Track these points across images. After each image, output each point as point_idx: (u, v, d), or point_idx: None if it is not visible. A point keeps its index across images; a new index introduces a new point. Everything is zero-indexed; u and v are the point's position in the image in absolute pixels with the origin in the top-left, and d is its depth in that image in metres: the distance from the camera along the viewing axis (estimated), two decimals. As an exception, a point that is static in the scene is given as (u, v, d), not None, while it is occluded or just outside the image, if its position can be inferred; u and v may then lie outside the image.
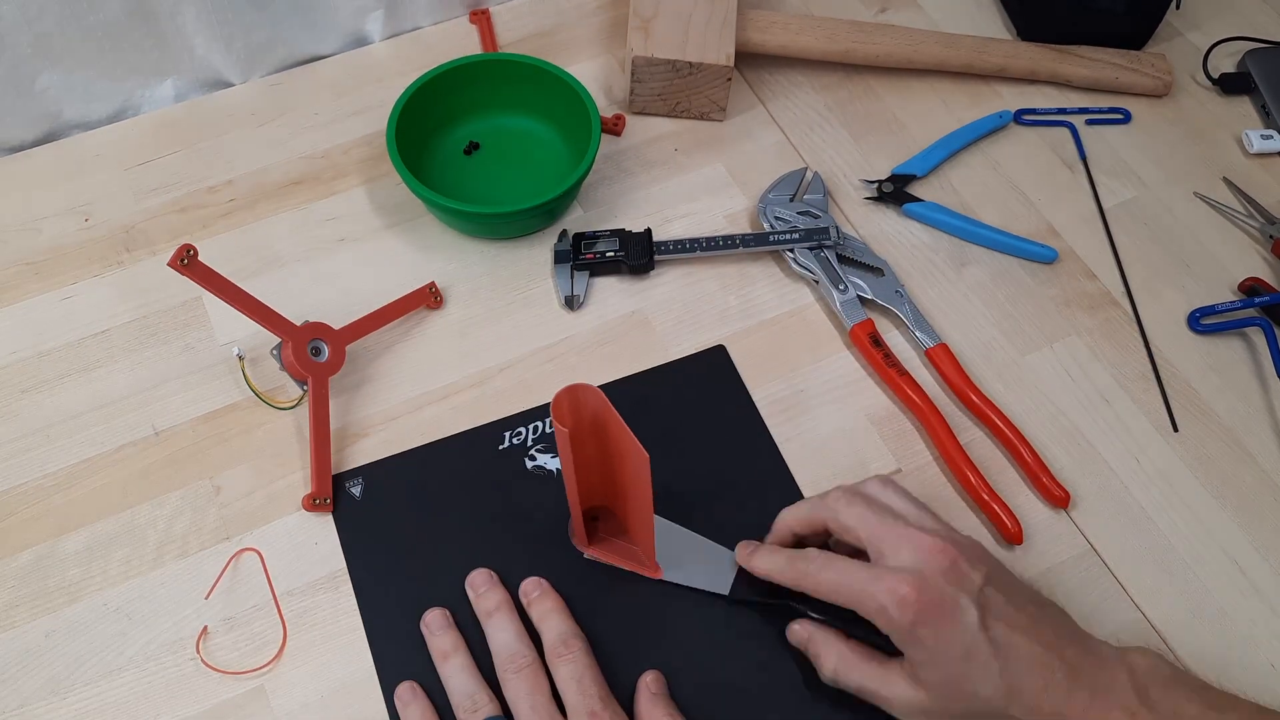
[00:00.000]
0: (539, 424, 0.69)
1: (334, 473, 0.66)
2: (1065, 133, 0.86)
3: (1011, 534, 0.65)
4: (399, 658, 0.60)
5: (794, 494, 0.67)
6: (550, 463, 0.67)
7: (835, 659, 0.55)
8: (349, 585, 0.63)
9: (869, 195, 0.80)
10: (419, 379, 0.71)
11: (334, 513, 0.65)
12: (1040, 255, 0.77)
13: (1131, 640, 0.63)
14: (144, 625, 0.62)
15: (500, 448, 0.68)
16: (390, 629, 0.61)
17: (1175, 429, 0.71)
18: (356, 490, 0.66)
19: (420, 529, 0.65)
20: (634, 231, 0.76)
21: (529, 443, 0.68)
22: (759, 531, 0.62)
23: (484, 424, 0.69)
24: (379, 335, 0.73)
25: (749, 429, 0.69)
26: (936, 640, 0.49)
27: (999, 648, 0.49)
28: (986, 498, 0.66)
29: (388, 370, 0.71)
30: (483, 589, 0.60)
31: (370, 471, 0.66)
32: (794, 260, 0.76)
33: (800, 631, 0.57)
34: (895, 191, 0.80)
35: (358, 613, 0.62)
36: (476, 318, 0.74)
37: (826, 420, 0.70)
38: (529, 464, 0.67)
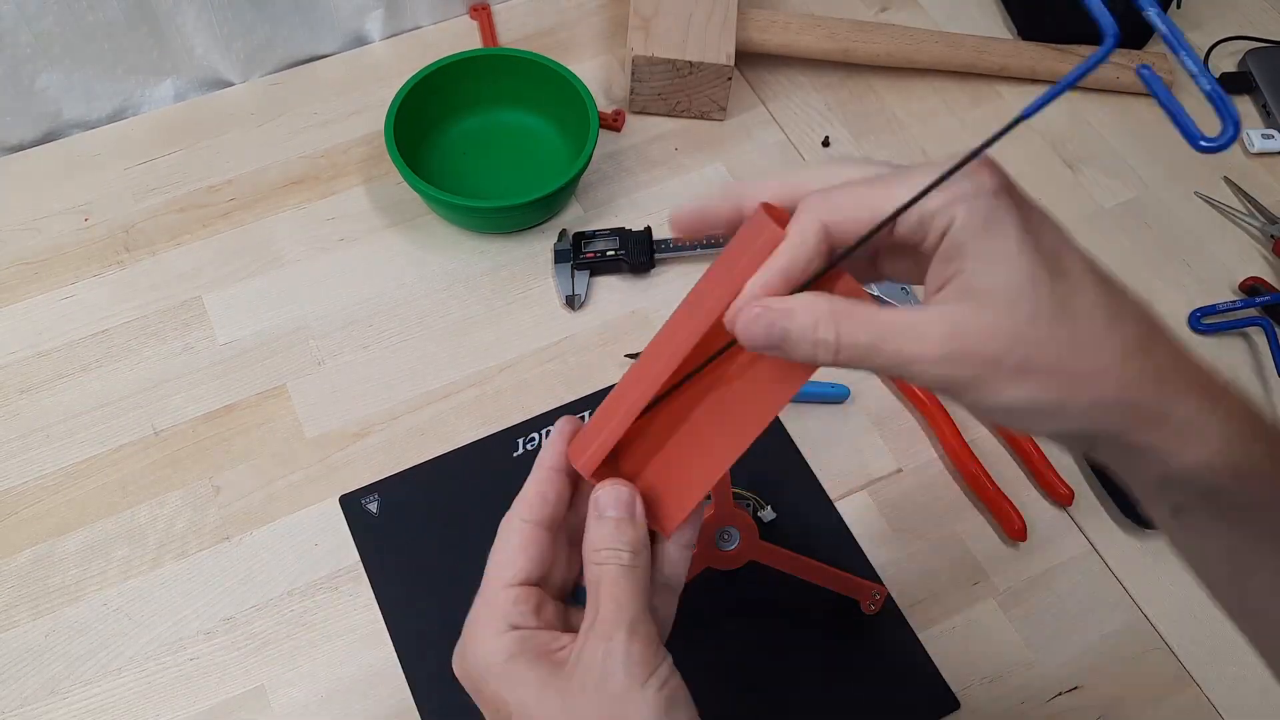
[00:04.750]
0: (551, 429, 0.68)
1: (348, 490, 0.66)
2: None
3: (1016, 531, 0.65)
4: (429, 675, 0.60)
5: (816, 487, 0.67)
6: None
7: (823, 313, 0.34)
8: (349, 585, 0.63)
9: None
10: (419, 379, 0.71)
11: (351, 529, 0.65)
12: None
13: (1132, 640, 0.63)
14: (144, 625, 0.61)
15: (515, 455, 0.68)
16: (417, 642, 0.61)
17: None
18: (373, 506, 0.66)
19: (440, 541, 0.65)
20: (634, 230, 0.76)
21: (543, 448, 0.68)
22: (779, 528, 0.61)
23: (496, 431, 0.69)
24: (380, 334, 0.73)
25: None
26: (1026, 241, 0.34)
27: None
28: (992, 494, 0.66)
29: (388, 370, 0.71)
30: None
31: (386, 486, 0.66)
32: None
33: (758, 311, 0.35)
34: None
35: (357, 613, 0.62)
36: (476, 317, 0.74)
37: (828, 419, 0.70)
38: None
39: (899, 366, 0.34)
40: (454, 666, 0.43)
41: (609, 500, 0.41)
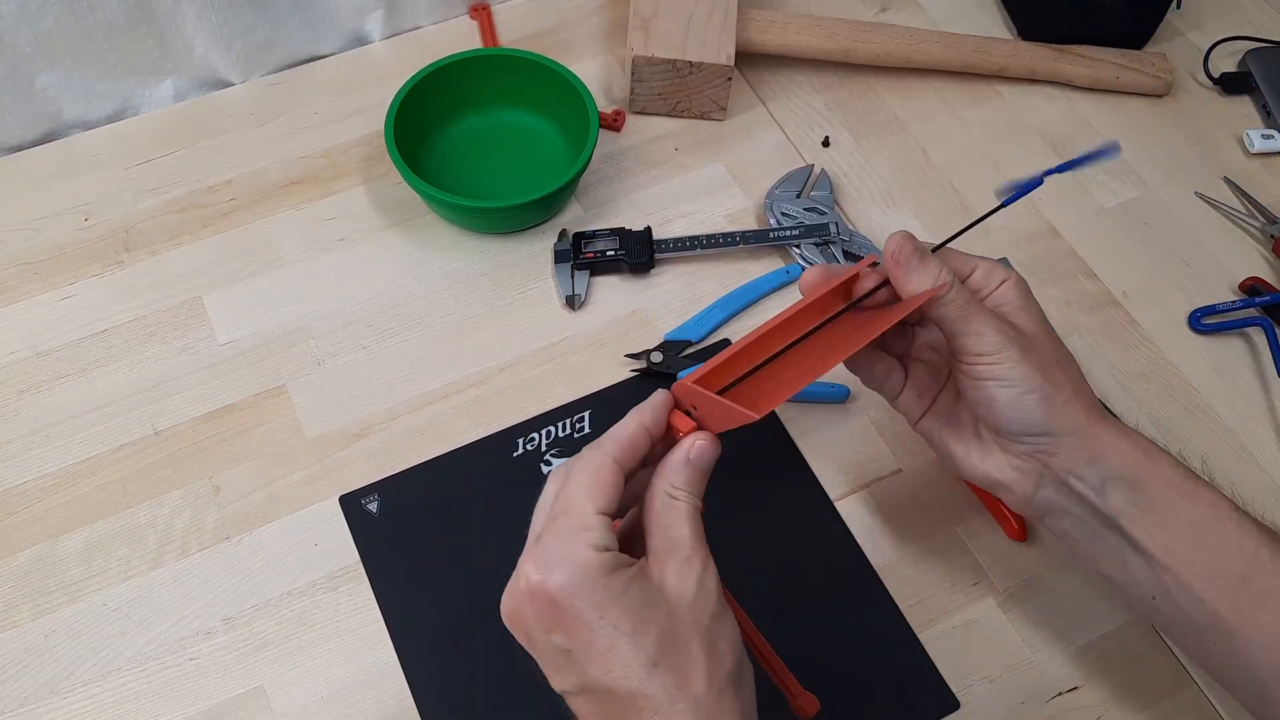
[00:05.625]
0: (551, 429, 0.69)
1: (348, 490, 0.66)
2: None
3: (1015, 532, 0.65)
4: (429, 675, 0.60)
5: (816, 487, 0.67)
6: None
7: (953, 276, 0.53)
8: (348, 585, 0.63)
9: (635, 369, 0.72)
10: (419, 379, 0.71)
11: (352, 529, 0.65)
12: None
13: (1132, 640, 0.63)
14: (144, 625, 0.62)
15: (515, 454, 0.68)
16: (418, 642, 0.61)
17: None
18: (373, 506, 0.66)
19: (440, 541, 0.64)
20: (634, 230, 0.76)
21: (543, 448, 0.68)
22: (779, 529, 0.62)
23: (496, 431, 0.69)
24: (380, 334, 0.73)
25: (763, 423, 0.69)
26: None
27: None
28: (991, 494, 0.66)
29: (388, 370, 0.71)
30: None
31: (386, 486, 0.66)
32: (800, 256, 0.76)
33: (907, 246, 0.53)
34: (665, 360, 0.71)
35: (357, 613, 0.62)
36: (476, 317, 0.74)
37: (828, 419, 0.70)
38: (545, 469, 0.67)
39: (970, 339, 0.53)
40: (529, 593, 0.44)
41: (701, 452, 0.47)
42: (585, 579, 0.43)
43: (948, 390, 0.59)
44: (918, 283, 0.53)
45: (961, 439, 0.57)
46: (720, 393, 0.48)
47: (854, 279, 0.54)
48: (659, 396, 0.49)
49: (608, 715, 0.44)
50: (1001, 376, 0.52)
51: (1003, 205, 0.57)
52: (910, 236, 0.54)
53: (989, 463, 0.56)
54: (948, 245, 0.56)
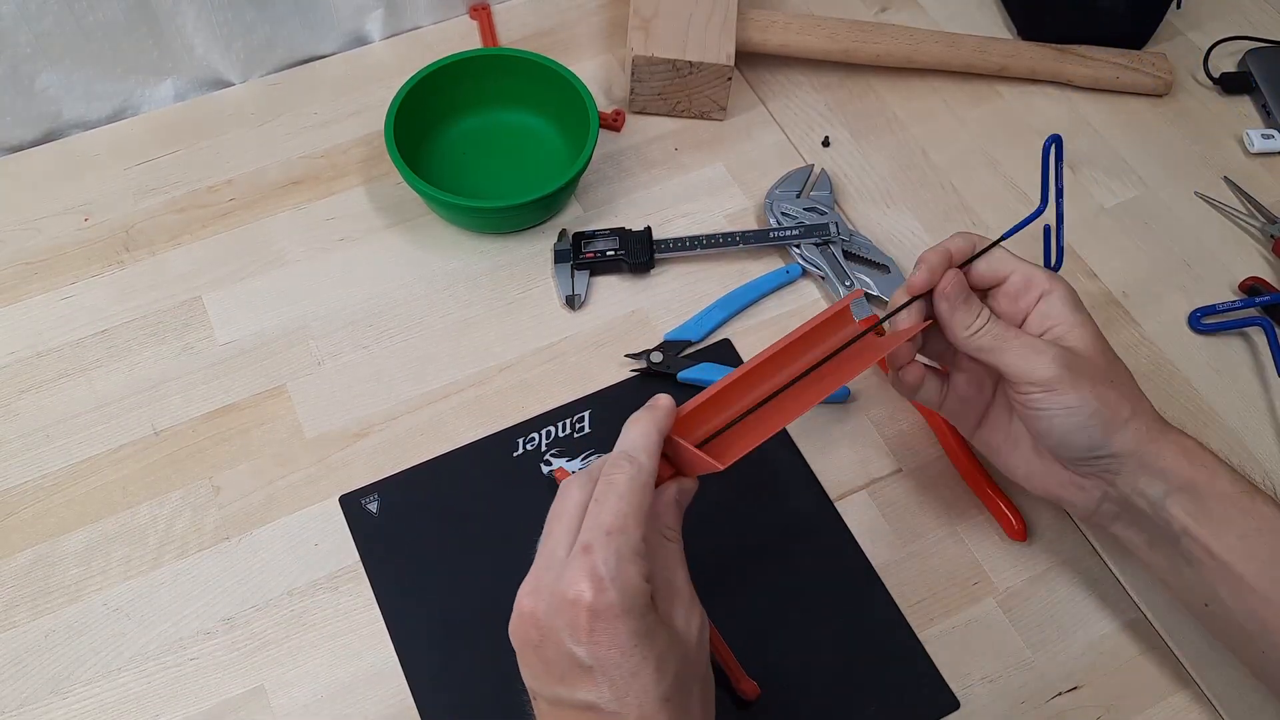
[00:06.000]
0: (552, 429, 0.69)
1: (348, 490, 0.66)
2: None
3: (1015, 532, 0.65)
4: (429, 675, 0.60)
5: (816, 487, 0.67)
6: (569, 466, 0.67)
7: (988, 316, 0.54)
8: (348, 585, 0.63)
9: (635, 369, 0.72)
10: (419, 379, 0.71)
11: (352, 529, 0.65)
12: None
13: (1132, 640, 0.63)
14: (144, 625, 0.61)
15: (515, 455, 0.68)
16: (418, 642, 0.61)
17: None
18: (373, 506, 0.66)
19: (440, 541, 0.64)
20: (634, 230, 0.76)
21: (543, 448, 0.68)
22: (779, 529, 0.62)
23: (496, 431, 0.69)
24: (380, 334, 0.73)
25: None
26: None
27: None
28: (991, 494, 0.66)
29: (388, 370, 0.71)
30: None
31: (386, 486, 0.66)
32: (800, 256, 0.76)
33: (950, 274, 0.55)
34: (665, 360, 0.71)
35: (357, 613, 0.62)
36: (476, 317, 0.74)
37: (828, 419, 0.70)
38: (545, 469, 0.67)
39: (1013, 370, 0.53)
40: (571, 603, 0.43)
41: (687, 493, 0.50)
42: (634, 606, 0.43)
43: (1001, 404, 0.59)
44: (960, 321, 0.54)
45: (1021, 455, 0.58)
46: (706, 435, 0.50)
47: (841, 314, 0.55)
48: (664, 401, 0.49)
49: None
50: (1058, 403, 0.52)
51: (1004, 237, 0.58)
52: (960, 276, 0.55)
53: (1050, 480, 0.57)
54: (1000, 244, 0.56)
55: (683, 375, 0.71)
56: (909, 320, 0.56)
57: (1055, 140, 0.59)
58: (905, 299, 0.56)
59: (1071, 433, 0.53)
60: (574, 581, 0.43)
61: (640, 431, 0.48)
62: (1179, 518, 0.53)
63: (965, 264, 0.56)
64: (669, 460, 0.50)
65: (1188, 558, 0.54)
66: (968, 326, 0.54)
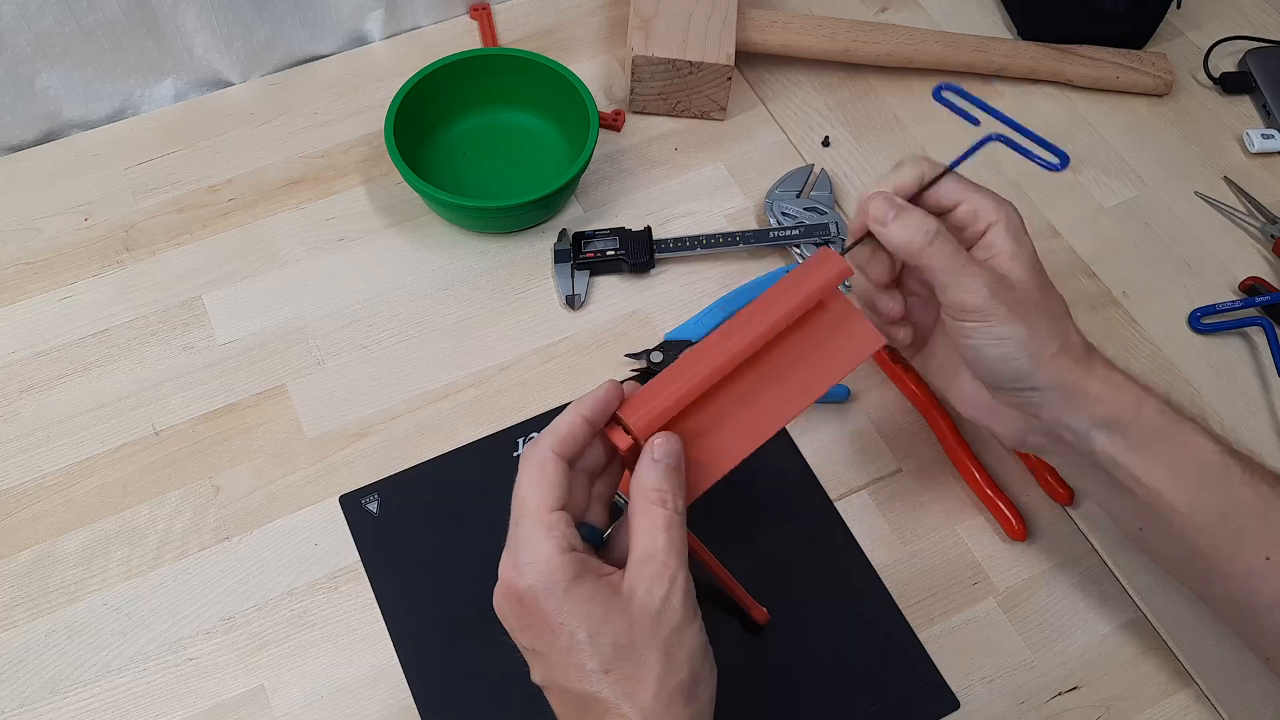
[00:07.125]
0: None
1: (348, 489, 0.66)
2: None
3: (1016, 532, 0.65)
4: (429, 675, 0.60)
5: (816, 487, 0.67)
6: None
7: (933, 232, 0.52)
8: (348, 585, 0.63)
9: (635, 369, 0.72)
10: (419, 379, 0.71)
11: (352, 529, 0.65)
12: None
13: (1132, 640, 0.63)
14: (144, 625, 0.62)
15: (515, 455, 0.68)
16: (417, 642, 0.61)
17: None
18: (373, 506, 0.66)
19: (440, 541, 0.64)
20: (634, 230, 0.76)
21: None
22: (779, 529, 0.62)
23: (496, 431, 0.69)
24: (380, 334, 0.73)
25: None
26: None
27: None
28: (991, 494, 0.66)
29: (388, 370, 0.71)
30: None
31: (386, 486, 0.66)
32: (800, 256, 0.76)
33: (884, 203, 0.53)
34: (665, 360, 0.70)
35: (357, 613, 0.62)
36: (476, 317, 0.74)
37: (828, 418, 0.70)
38: None
39: (947, 295, 0.53)
40: (504, 592, 0.46)
41: (665, 449, 0.47)
42: (551, 583, 0.44)
43: (940, 330, 0.60)
44: (901, 235, 0.53)
45: (955, 379, 0.59)
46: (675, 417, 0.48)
47: (812, 270, 0.52)
48: (602, 389, 0.48)
49: (573, 711, 0.45)
50: (988, 334, 0.53)
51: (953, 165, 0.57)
52: (885, 195, 0.54)
53: (980, 405, 0.58)
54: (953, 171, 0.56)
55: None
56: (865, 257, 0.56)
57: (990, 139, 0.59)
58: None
59: (999, 362, 0.53)
60: (501, 573, 0.46)
61: (560, 414, 0.48)
62: (1105, 450, 0.53)
63: (916, 195, 0.55)
64: (626, 434, 0.48)
65: (1119, 487, 0.54)
66: (907, 241, 0.52)
